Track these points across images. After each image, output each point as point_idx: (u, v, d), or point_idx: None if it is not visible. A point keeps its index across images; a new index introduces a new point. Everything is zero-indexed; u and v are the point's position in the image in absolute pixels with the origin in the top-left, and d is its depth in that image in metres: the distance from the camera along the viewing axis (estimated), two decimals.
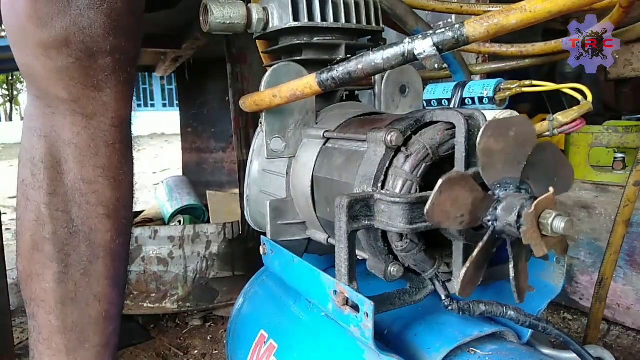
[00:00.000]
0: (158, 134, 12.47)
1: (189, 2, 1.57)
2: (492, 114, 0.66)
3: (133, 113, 0.73)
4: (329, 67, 0.54)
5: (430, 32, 0.46)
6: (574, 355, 0.52)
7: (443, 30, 0.45)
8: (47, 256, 0.69)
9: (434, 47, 0.45)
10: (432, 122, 0.51)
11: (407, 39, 0.47)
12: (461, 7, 1.04)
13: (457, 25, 0.45)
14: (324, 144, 0.63)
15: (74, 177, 0.67)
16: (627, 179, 0.88)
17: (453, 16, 1.41)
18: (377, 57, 0.49)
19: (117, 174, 0.70)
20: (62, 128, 0.66)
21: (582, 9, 0.43)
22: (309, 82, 0.56)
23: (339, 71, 0.53)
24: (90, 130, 0.66)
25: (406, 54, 0.47)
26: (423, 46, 0.46)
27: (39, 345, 0.72)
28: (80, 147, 0.67)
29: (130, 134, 0.72)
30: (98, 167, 0.68)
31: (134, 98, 0.72)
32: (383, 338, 0.56)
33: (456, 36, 0.45)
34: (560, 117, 0.71)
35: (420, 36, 0.46)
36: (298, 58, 0.70)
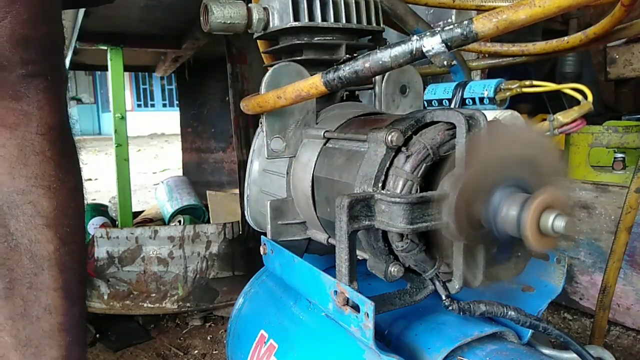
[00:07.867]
0: (158, 134, 12.47)
1: (188, 2, 1.57)
2: (492, 114, 0.66)
3: (70, 116, 0.71)
4: (335, 66, 0.53)
5: (439, 29, 0.45)
6: (574, 355, 0.52)
7: (451, 27, 0.45)
8: None
9: (443, 44, 0.45)
10: (433, 122, 0.51)
11: (415, 37, 0.47)
12: (454, 1, 1.03)
13: (465, 22, 0.44)
14: (325, 144, 0.63)
15: (7, 190, 0.66)
16: (628, 186, 0.87)
17: (453, 16, 1.41)
18: (384, 55, 0.49)
19: (51, 182, 0.68)
20: None
21: (589, 4, 0.42)
22: (314, 83, 0.55)
23: (345, 70, 0.52)
24: (15, 141, 0.64)
25: (414, 52, 0.47)
26: (431, 43, 0.45)
27: None
28: (9, 159, 0.65)
29: (66, 140, 0.70)
30: (30, 177, 0.66)
31: (67, 102, 0.70)
32: (383, 338, 0.56)
33: (465, 32, 0.44)
34: (561, 117, 0.72)
35: (428, 33, 0.46)
36: (298, 58, 0.70)
